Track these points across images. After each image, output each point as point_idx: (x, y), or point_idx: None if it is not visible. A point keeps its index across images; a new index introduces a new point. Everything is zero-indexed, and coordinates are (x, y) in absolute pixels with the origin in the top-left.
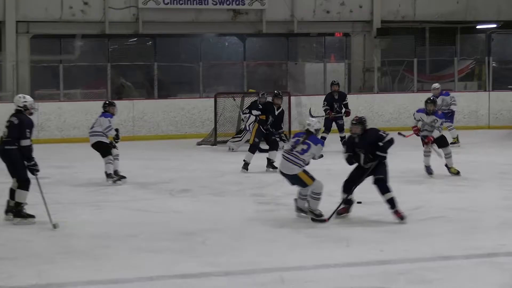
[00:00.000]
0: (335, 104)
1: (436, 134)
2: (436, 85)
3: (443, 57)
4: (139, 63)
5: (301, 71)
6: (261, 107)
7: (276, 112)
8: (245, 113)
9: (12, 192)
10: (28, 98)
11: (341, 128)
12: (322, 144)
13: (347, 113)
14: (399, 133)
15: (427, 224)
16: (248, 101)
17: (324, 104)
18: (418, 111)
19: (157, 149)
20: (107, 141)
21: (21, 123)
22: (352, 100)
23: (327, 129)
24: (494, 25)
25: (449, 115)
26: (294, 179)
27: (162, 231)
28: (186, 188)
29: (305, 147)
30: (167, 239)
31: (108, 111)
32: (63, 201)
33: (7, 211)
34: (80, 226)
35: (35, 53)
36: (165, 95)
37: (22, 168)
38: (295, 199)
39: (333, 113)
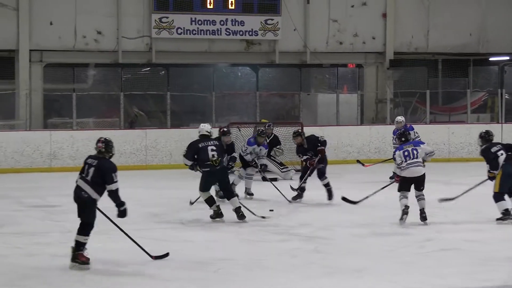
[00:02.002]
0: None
1: None
2: (399, 118)
3: (455, 89)
4: (152, 93)
5: (313, 102)
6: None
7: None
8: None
9: None
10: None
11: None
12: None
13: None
14: (358, 161)
15: (439, 256)
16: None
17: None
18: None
19: (169, 178)
20: None
21: None
22: (365, 131)
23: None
24: (507, 57)
25: None
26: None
27: (174, 259)
28: (199, 217)
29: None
30: (179, 268)
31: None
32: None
33: None
34: (93, 254)
35: (48, 81)
36: (178, 124)
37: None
38: None
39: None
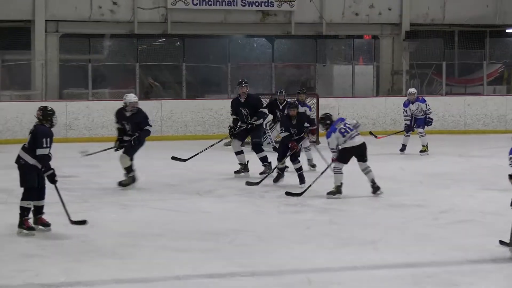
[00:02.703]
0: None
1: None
2: (412, 90)
3: (472, 61)
4: (168, 64)
5: (329, 73)
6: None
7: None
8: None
9: None
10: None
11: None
12: None
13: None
14: (370, 133)
15: (454, 228)
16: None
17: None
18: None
19: (185, 149)
20: None
21: None
22: (380, 103)
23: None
24: None
25: (423, 122)
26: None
27: (189, 230)
28: (214, 188)
29: None
30: (194, 238)
31: None
32: (90, 200)
33: None
34: (108, 225)
35: (64, 52)
36: (193, 95)
37: None
38: None
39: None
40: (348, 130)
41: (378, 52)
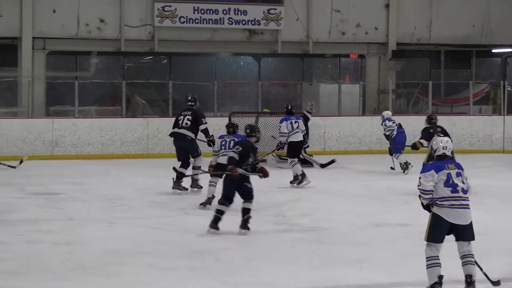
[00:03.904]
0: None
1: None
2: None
3: (458, 80)
4: (154, 81)
5: (316, 92)
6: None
7: None
8: None
9: None
10: None
11: None
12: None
13: None
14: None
15: (442, 247)
16: (262, 121)
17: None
18: None
19: (171, 166)
20: None
21: None
22: (366, 122)
23: None
24: (510, 49)
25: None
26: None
27: (175, 248)
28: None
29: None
30: (180, 256)
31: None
32: (77, 217)
33: None
34: (94, 242)
35: (50, 69)
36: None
37: None
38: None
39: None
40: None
41: (364, 71)
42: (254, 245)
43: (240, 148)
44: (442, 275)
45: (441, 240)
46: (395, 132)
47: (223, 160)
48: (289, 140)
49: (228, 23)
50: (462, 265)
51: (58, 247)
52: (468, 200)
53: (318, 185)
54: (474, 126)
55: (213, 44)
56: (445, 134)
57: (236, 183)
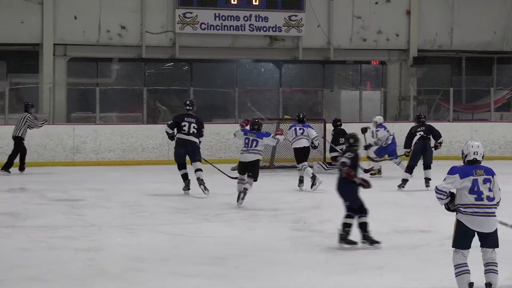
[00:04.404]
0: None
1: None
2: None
3: (479, 87)
4: (175, 88)
5: (337, 98)
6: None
7: None
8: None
9: None
10: None
11: None
12: None
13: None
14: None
15: None
16: (283, 127)
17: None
18: None
19: (191, 173)
20: None
21: None
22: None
23: None
24: None
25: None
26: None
27: (196, 255)
28: (221, 212)
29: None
30: (200, 263)
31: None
32: (98, 224)
33: None
34: (115, 249)
35: (72, 75)
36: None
37: None
38: None
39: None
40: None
41: (385, 77)
42: (275, 252)
43: (353, 155)
44: (472, 282)
45: (467, 246)
46: (389, 141)
47: (242, 158)
48: (292, 146)
49: (249, 29)
50: (485, 273)
51: (79, 254)
52: (495, 208)
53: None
54: (495, 133)
55: (234, 50)
56: (429, 132)
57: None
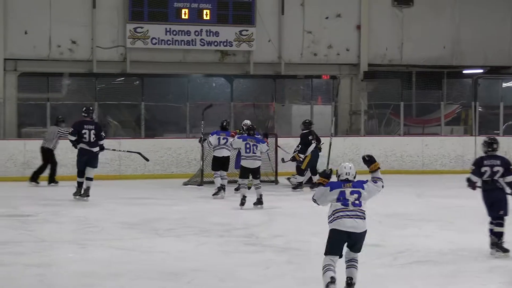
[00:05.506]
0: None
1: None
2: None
3: (429, 101)
4: (126, 102)
5: (288, 113)
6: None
7: None
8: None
9: None
10: None
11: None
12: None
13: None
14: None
15: (412, 268)
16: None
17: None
18: None
19: (143, 188)
20: None
21: None
22: (339, 143)
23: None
24: (481, 70)
25: None
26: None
27: (148, 270)
28: (173, 227)
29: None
30: (153, 278)
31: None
32: (49, 239)
33: None
34: (66, 264)
35: (22, 90)
36: (152, 134)
37: None
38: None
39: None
40: (251, 149)
41: (336, 92)
42: (226, 267)
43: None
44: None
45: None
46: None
47: (247, 163)
48: (213, 155)
49: (200, 44)
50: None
51: (30, 269)
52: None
53: (291, 206)
54: (446, 147)
55: (185, 65)
56: (318, 140)
57: None
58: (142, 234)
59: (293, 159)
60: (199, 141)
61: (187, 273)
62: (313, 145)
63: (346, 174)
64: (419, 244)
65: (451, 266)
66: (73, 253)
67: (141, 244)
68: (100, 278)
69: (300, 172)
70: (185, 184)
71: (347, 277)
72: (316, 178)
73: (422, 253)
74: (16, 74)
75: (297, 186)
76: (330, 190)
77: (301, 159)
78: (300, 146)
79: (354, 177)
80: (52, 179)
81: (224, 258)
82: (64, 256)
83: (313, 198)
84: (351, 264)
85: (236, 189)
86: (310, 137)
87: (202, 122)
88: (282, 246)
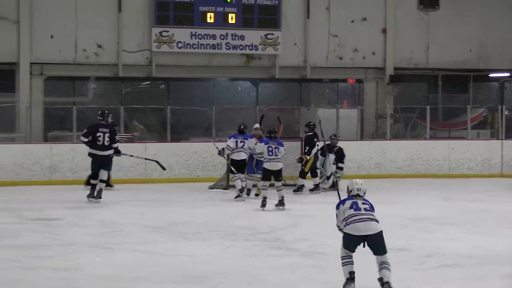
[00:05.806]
0: None
1: None
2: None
3: (455, 105)
4: (152, 106)
5: (313, 117)
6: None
7: None
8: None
9: None
10: None
11: None
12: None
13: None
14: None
15: (439, 272)
16: None
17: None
18: None
19: (169, 192)
20: None
21: None
22: (365, 147)
23: None
24: (507, 74)
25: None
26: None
27: (173, 274)
28: (198, 231)
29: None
30: (178, 282)
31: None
32: (74, 243)
33: None
34: (92, 268)
35: (48, 94)
36: (178, 138)
37: None
38: None
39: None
40: (274, 152)
41: (362, 95)
42: (252, 270)
43: None
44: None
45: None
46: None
47: (270, 166)
48: (231, 158)
49: (226, 48)
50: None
51: (56, 273)
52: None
53: (316, 209)
54: (472, 151)
55: (210, 69)
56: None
57: None
58: (168, 238)
59: (300, 160)
60: (219, 154)
61: (213, 277)
62: (316, 147)
63: (358, 190)
64: (446, 248)
65: (477, 270)
66: (99, 256)
67: (166, 248)
68: (126, 282)
69: (302, 175)
70: (211, 187)
71: (379, 278)
72: (317, 180)
73: (448, 257)
74: (42, 78)
75: (298, 189)
76: (343, 204)
77: (307, 159)
78: (307, 148)
79: (364, 193)
80: (107, 183)
81: (249, 262)
82: (90, 259)
83: (336, 225)
84: (383, 266)
85: (236, 197)
86: (315, 139)
87: (211, 140)
88: (307, 250)
